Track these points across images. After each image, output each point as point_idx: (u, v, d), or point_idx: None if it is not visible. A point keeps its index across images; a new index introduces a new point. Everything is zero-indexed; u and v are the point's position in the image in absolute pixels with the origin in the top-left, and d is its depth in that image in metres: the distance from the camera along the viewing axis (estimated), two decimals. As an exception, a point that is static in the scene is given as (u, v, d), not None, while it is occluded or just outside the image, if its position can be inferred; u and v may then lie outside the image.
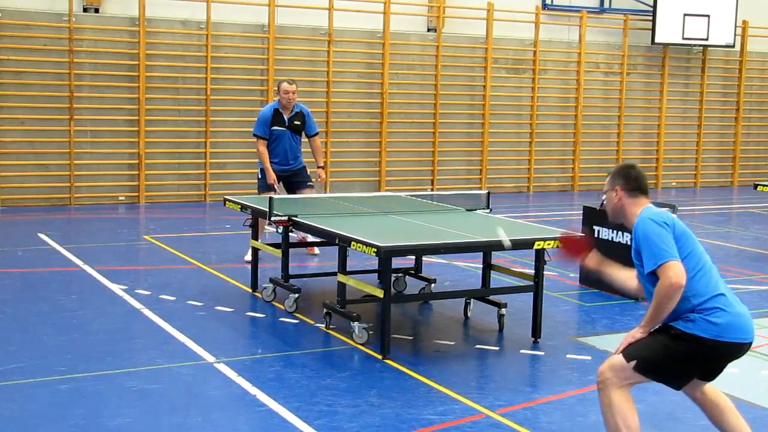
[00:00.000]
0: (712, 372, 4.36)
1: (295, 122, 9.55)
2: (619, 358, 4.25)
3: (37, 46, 13.43)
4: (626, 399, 4.29)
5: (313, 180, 9.79)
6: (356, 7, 15.21)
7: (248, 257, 9.01)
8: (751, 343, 4.30)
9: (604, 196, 4.55)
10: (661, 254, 4.14)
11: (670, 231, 4.22)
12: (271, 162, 9.48)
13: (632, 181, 4.45)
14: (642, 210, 4.38)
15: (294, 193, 9.53)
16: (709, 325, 4.19)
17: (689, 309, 4.21)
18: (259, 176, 9.62)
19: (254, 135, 9.60)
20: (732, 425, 4.46)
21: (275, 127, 9.49)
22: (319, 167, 9.88)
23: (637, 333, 4.26)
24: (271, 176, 9.41)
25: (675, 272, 4.10)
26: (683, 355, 4.23)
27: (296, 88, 9.57)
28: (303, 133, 9.71)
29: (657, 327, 4.29)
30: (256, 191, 9.65)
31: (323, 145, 15.36)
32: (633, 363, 4.21)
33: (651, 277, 4.22)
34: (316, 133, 9.81)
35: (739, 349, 4.26)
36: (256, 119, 9.72)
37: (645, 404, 5.56)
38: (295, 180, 9.67)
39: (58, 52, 13.54)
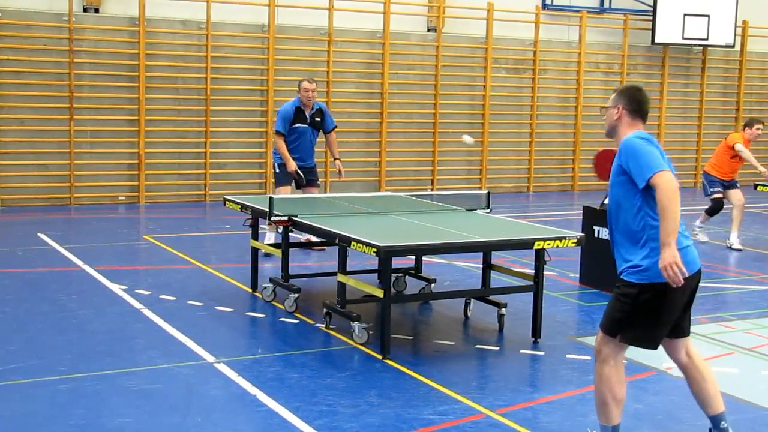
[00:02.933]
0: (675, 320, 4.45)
1: (316, 119, 9.89)
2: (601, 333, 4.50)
3: (37, 46, 13.43)
4: (616, 371, 4.45)
5: (335, 169, 10.18)
6: (356, 7, 15.21)
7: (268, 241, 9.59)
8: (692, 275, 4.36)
9: (603, 111, 4.63)
10: (654, 165, 4.24)
11: (657, 151, 4.34)
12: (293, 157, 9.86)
13: (635, 103, 4.54)
14: (633, 132, 4.49)
15: (301, 190, 9.99)
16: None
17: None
18: (277, 170, 9.94)
19: (276, 132, 9.81)
20: (710, 395, 4.56)
21: (298, 124, 9.80)
22: (335, 159, 10.19)
23: (666, 255, 4.15)
24: (292, 165, 9.75)
25: (670, 177, 4.21)
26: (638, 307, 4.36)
27: (316, 87, 9.89)
28: (321, 130, 10.11)
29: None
30: (273, 186, 10.14)
31: (322, 145, 15.36)
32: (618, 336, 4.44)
33: (641, 194, 4.31)
34: (334, 128, 10.19)
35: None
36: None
37: (645, 404, 5.56)
38: (308, 177, 9.99)
39: (58, 52, 13.54)
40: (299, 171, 9.83)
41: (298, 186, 10.12)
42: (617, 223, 4.49)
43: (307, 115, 9.82)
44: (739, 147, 11.19)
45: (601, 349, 4.51)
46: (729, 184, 11.38)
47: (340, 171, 10.09)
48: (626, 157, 4.35)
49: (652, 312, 4.36)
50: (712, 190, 11.38)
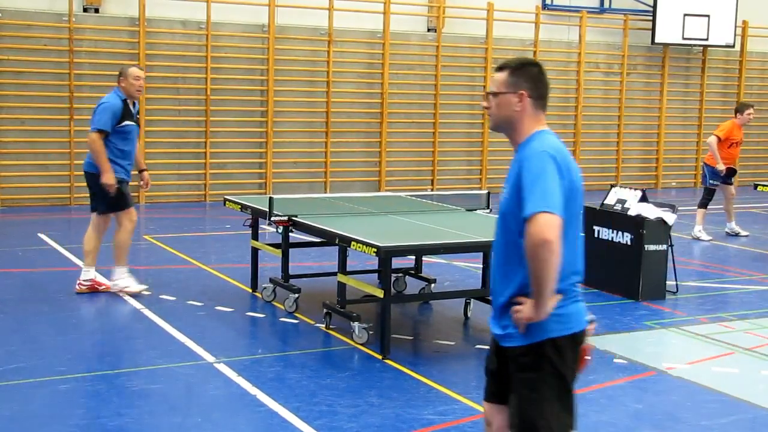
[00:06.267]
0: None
1: (138, 116, 7.80)
2: None
3: (37, 46, 13.42)
4: None
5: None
6: (356, 7, 15.21)
7: (131, 288, 7.86)
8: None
9: (489, 98, 3.44)
10: (542, 201, 3.16)
11: (565, 183, 3.27)
12: (118, 167, 7.75)
13: (542, 87, 3.44)
14: (538, 133, 3.39)
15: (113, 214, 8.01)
16: (557, 319, 3.31)
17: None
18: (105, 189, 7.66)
19: (97, 129, 7.54)
20: None
21: (127, 122, 7.65)
22: (142, 170, 8.05)
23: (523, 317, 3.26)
24: (111, 177, 7.59)
25: (546, 224, 3.11)
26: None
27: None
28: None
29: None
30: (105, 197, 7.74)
31: (322, 145, 15.40)
32: None
33: (520, 229, 3.23)
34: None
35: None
36: (105, 112, 7.61)
37: (645, 404, 5.56)
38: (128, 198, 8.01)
39: (58, 52, 13.54)
40: (122, 187, 7.69)
41: (117, 207, 7.80)
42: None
43: (134, 110, 7.65)
44: (710, 139, 11.77)
45: None
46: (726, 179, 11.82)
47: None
48: (524, 177, 3.24)
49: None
50: (711, 181, 11.83)
